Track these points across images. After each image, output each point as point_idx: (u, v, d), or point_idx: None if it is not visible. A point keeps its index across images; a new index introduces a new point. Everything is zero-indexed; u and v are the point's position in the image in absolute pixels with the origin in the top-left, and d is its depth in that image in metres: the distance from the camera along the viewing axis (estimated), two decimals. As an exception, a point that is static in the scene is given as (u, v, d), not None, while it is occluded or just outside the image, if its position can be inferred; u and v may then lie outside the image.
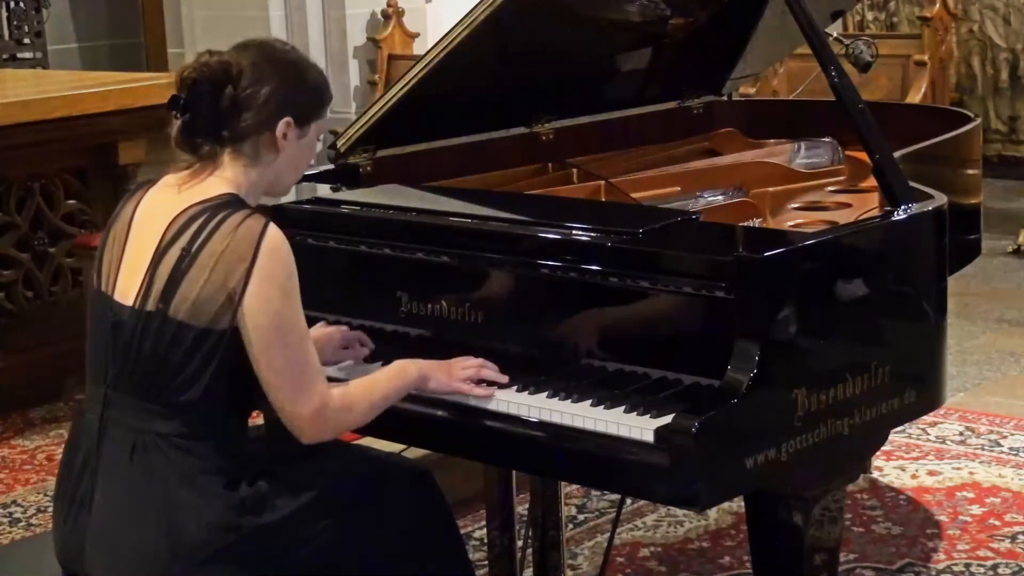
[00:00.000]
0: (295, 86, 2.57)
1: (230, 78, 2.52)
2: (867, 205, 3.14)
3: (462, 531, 2.92)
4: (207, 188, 2.54)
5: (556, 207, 3.14)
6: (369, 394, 2.60)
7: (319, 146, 2.69)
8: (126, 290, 2.53)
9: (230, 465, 2.51)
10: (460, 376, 2.65)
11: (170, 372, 2.48)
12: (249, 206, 2.53)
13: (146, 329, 2.49)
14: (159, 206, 2.55)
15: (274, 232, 2.48)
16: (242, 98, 2.52)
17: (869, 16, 8.75)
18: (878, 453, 3.88)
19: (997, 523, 4.03)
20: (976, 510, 4.12)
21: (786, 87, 7.20)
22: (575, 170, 3.56)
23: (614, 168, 3.59)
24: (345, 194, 3.18)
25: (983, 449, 4.57)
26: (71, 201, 5.44)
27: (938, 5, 7.54)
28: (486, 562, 3.52)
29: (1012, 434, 4.69)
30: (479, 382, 2.66)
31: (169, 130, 2.58)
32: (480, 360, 2.68)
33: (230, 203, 2.51)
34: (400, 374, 2.64)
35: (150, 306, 2.49)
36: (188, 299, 2.46)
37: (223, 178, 2.55)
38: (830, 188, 3.55)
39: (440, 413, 2.69)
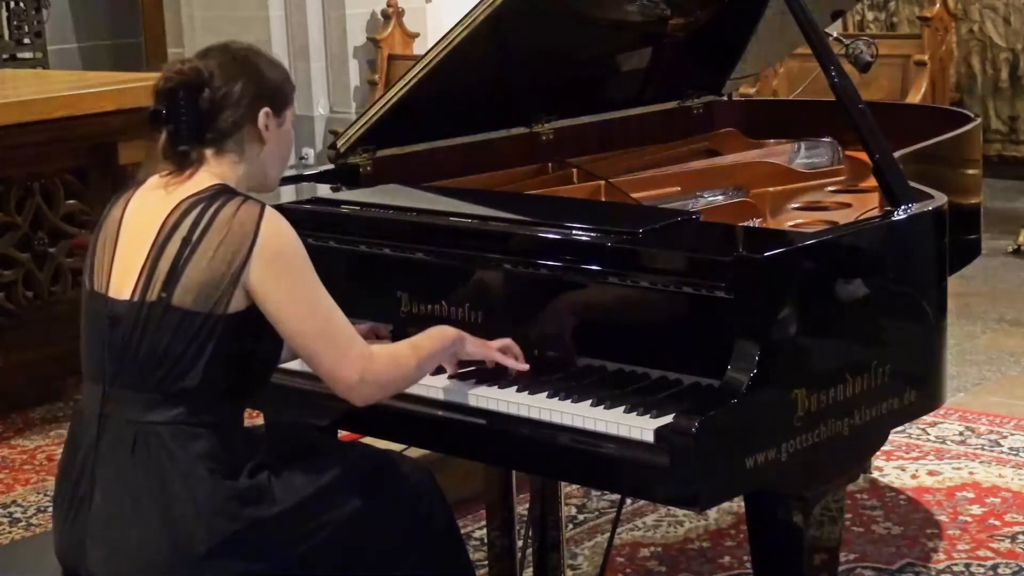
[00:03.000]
0: (264, 78, 2.63)
1: (204, 81, 2.58)
2: (867, 205, 3.14)
3: (462, 531, 2.92)
4: (197, 183, 2.58)
5: (556, 207, 3.14)
6: (416, 351, 2.63)
7: (293, 134, 2.74)
8: (121, 286, 2.56)
9: (229, 455, 2.52)
10: (495, 346, 2.69)
11: (171, 360, 2.50)
12: (242, 194, 2.57)
13: (147, 320, 2.51)
14: (149, 206, 2.59)
15: (272, 213, 2.53)
16: (219, 98, 2.58)
17: (869, 16, 8.75)
18: (878, 453, 3.88)
19: (997, 523, 4.03)
20: (976, 510, 4.12)
21: (786, 87, 7.20)
22: (575, 170, 3.56)
23: (614, 168, 3.59)
24: (345, 194, 3.18)
25: (983, 449, 4.57)
26: (71, 201, 5.44)
27: (938, 5, 7.54)
28: (486, 562, 3.52)
29: (1012, 434, 4.69)
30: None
31: (155, 144, 2.62)
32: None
33: (223, 192, 2.56)
34: (441, 335, 2.68)
35: (151, 296, 2.51)
36: (191, 286, 2.49)
37: (211, 173, 2.59)
38: (830, 188, 3.56)
39: (440, 413, 2.69)
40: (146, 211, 2.59)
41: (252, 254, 2.48)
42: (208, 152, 2.60)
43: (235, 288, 2.49)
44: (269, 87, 2.63)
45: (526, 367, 2.68)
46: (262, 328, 2.54)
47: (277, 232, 2.52)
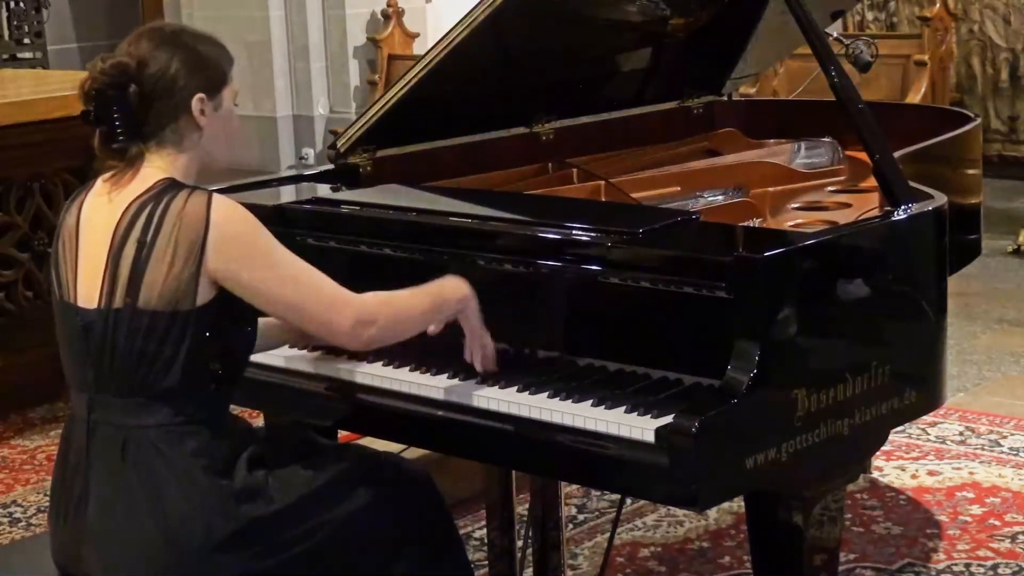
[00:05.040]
0: (195, 61, 2.57)
1: (130, 76, 2.54)
2: (867, 205, 3.14)
3: (462, 531, 2.92)
4: (142, 182, 2.55)
5: (556, 207, 3.14)
6: (416, 293, 2.64)
7: (237, 110, 2.67)
8: (88, 294, 2.55)
9: (222, 449, 2.52)
10: (486, 339, 2.69)
11: (148, 362, 2.49)
12: (188, 185, 2.55)
13: (117, 326, 2.50)
14: (100, 211, 2.57)
15: (219, 199, 2.51)
16: (148, 90, 2.54)
17: (869, 16, 8.75)
18: (878, 453, 3.88)
19: (997, 523, 4.03)
20: (976, 510, 4.12)
21: (786, 87, 7.21)
22: (575, 170, 3.56)
23: (614, 168, 3.59)
24: (345, 194, 3.18)
25: (983, 449, 4.57)
26: (71, 201, 5.43)
27: (938, 5, 7.54)
28: (486, 562, 3.52)
29: (1012, 434, 4.69)
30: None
31: (92, 144, 2.59)
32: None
33: (169, 187, 2.53)
34: (457, 287, 2.67)
35: (117, 303, 2.50)
36: (154, 287, 2.48)
37: (154, 167, 2.57)
38: (830, 188, 3.55)
39: (440, 413, 2.69)
40: (98, 217, 2.57)
41: (207, 245, 2.47)
42: (147, 146, 2.56)
43: (198, 281, 2.48)
44: (201, 70, 2.57)
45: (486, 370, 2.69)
46: (234, 314, 2.53)
47: (228, 218, 2.49)
